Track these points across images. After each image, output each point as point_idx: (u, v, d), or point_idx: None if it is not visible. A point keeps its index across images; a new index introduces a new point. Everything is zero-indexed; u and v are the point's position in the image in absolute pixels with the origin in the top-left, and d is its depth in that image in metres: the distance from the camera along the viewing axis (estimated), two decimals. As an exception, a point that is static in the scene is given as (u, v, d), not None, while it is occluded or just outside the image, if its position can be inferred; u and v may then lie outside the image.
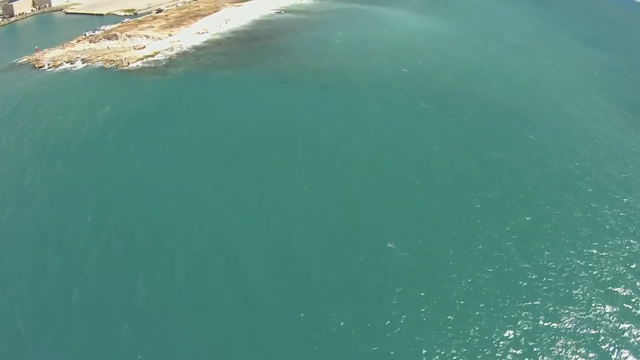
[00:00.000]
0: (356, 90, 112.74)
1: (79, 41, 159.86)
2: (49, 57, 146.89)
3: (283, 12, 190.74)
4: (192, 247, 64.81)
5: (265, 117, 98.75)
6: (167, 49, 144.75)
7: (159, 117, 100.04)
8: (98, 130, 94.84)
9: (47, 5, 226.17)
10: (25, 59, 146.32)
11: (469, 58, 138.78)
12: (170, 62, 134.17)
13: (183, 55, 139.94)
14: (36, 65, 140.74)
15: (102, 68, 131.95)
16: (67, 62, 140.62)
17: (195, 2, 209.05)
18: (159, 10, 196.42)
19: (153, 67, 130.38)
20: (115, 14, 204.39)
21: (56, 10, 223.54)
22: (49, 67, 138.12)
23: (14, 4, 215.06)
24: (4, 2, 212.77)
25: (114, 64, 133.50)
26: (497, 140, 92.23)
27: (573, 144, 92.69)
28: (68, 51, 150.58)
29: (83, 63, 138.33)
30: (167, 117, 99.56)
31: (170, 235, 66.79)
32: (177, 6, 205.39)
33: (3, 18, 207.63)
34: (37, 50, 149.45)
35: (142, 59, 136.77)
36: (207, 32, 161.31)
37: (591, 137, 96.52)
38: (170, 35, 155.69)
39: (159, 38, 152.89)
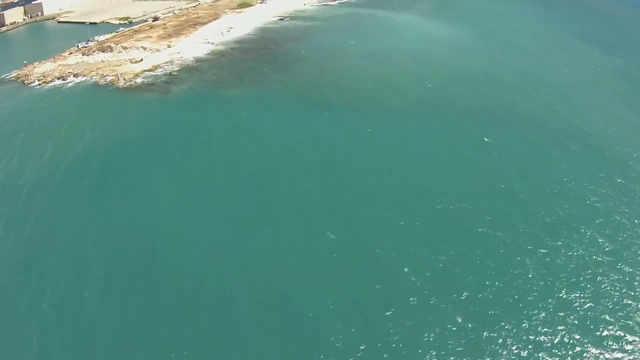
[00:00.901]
0: (383, 113, 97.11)
1: (71, 53, 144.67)
2: (39, 72, 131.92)
3: (287, 19, 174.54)
4: (198, 327, 50.57)
5: (284, 150, 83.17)
6: (167, 62, 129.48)
7: (157, 150, 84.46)
8: (83, 168, 79.62)
9: (39, 13, 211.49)
10: (15, 74, 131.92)
11: (491, 69, 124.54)
12: (172, 77, 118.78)
13: (185, 69, 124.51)
14: (25, 82, 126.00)
15: (96, 85, 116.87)
16: (58, 78, 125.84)
17: (194, 9, 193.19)
18: (156, 18, 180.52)
19: (152, 83, 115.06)
20: (109, 23, 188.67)
21: (48, 19, 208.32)
22: (39, 84, 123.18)
23: (5, 13, 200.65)
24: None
25: (108, 81, 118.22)
26: (554, 179, 75.84)
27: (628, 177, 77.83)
28: (59, 65, 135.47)
29: (75, 78, 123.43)
30: (168, 150, 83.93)
31: (173, 311, 52.76)
32: (174, 13, 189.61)
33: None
34: (25, 65, 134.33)
35: (140, 74, 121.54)
36: (210, 42, 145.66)
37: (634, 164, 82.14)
38: (169, 46, 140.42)
39: (157, 50, 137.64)
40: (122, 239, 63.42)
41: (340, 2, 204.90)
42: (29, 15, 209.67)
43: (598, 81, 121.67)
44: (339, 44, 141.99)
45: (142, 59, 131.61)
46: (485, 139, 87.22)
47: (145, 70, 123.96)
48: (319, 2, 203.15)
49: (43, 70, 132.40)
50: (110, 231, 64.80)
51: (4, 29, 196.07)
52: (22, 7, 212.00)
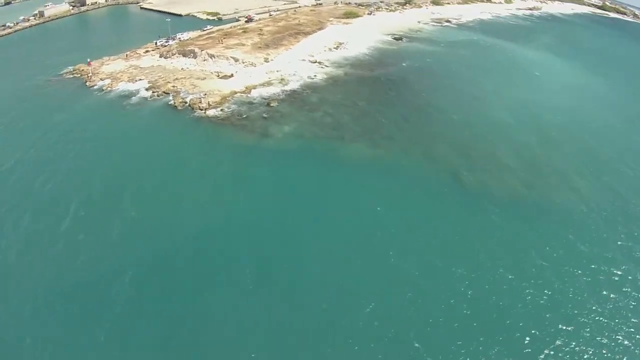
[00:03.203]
0: (562, 227, 57.23)
1: (147, 52, 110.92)
2: (107, 71, 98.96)
3: (404, 39, 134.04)
4: None
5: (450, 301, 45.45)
6: (263, 83, 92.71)
7: (245, 257, 47.90)
8: (126, 283, 44.60)
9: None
10: (80, 68, 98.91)
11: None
12: (270, 109, 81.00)
13: (288, 97, 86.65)
14: (88, 83, 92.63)
15: (172, 108, 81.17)
16: (127, 82, 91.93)
17: (294, 13, 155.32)
18: (250, 19, 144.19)
19: (245, 117, 77.71)
20: (195, 16, 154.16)
21: (131, 3, 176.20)
22: (103, 89, 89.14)
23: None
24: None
25: (188, 103, 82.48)
26: None
27: None
28: (131, 66, 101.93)
29: (147, 91, 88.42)
30: (261, 259, 47.61)
31: None
32: (270, 15, 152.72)
33: (74, 7, 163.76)
34: (89, 64, 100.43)
35: (229, 98, 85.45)
36: (317, 61, 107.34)
37: None
38: (266, 60, 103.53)
39: (252, 63, 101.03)
40: None
41: (458, 24, 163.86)
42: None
43: None
44: (474, 87, 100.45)
45: (232, 75, 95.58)
46: None
47: (237, 92, 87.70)
48: (434, 21, 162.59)
49: (111, 70, 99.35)
50: None
51: (84, 8, 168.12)
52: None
